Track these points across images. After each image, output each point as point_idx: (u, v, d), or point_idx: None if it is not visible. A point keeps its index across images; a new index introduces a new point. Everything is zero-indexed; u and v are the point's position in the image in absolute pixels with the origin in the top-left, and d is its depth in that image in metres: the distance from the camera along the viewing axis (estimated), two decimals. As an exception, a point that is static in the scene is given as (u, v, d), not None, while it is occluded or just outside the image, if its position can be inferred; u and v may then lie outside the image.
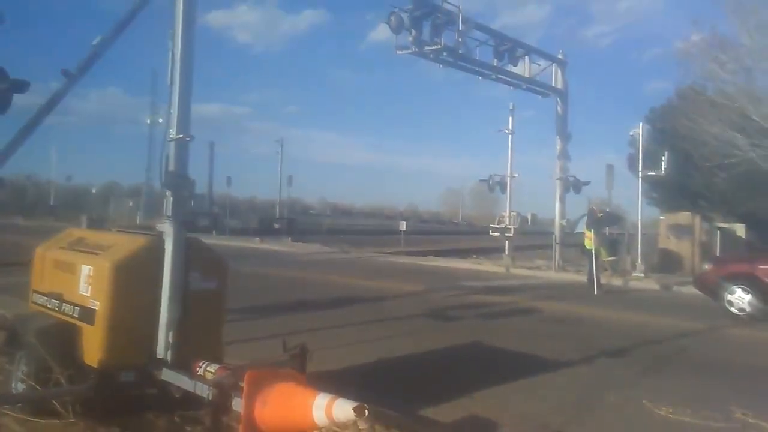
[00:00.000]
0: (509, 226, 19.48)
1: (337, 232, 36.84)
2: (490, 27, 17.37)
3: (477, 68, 16.87)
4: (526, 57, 17.88)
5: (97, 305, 3.72)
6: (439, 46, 14.91)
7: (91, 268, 3.83)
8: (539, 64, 18.48)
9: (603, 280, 14.07)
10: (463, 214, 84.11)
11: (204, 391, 3.31)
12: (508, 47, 17.03)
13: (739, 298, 10.28)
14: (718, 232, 19.03)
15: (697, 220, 19.08)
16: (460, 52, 15.66)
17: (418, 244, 28.20)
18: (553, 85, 19.10)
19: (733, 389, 5.68)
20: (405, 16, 14.36)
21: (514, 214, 19.77)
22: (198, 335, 3.87)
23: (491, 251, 23.92)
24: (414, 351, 6.68)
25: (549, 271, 17.52)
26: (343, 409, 2.65)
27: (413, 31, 14.58)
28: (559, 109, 19.20)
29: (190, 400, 3.61)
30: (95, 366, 3.65)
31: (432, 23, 14.78)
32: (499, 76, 17.37)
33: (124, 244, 3.93)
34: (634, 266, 17.34)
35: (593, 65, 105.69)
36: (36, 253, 4.48)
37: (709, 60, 17.49)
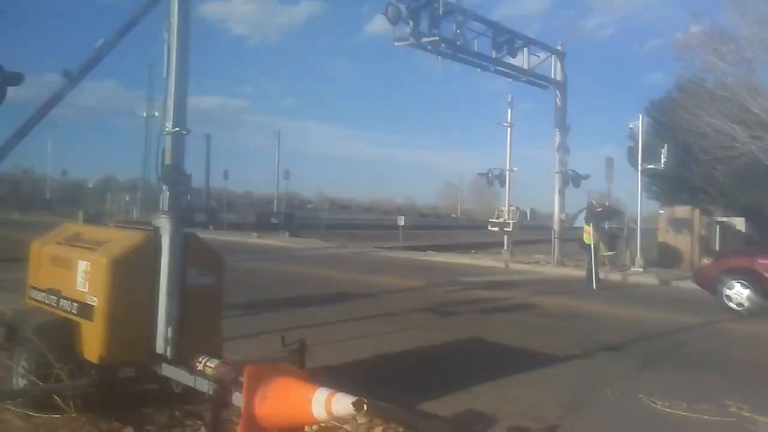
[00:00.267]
0: (508, 221, 19.53)
1: (335, 226, 36.81)
2: (489, 18, 17.31)
3: (476, 60, 16.83)
4: (525, 49, 17.84)
5: (95, 301, 3.74)
6: (437, 38, 14.86)
7: (88, 263, 3.85)
8: (538, 56, 18.45)
9: (602, 275, 14.12)
10: (462, 209, 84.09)
11: (204, 386, 3.34)
12: (507, 39, 16.99)
13: (738, 293, 10.34)
14: (718, 226, 19.09)
15: (697, 213, 19.12)
16: (458, 43, 15.62)
17: (416, 239, 28.23)
18: (552, 77, 19.07)
19: (729, 384, 5.75)
20: (402, 7, 14.31)
21: (513, 208, 19.82)
22: (197, 331, 3.90)
23: (490, 246, 23.97)
24: (413, 346, 6.73)
25: (548, 266, 17.57)
26: (342, 403, 2.69)
27: (411, 23, 14.52)
28: (558, 101, 19.18)
29: (189, 395, 3.65)
30: (95, 361, 3.68)
31: (430, 14, 14.72)
32: (498, 68, 17.35)
33: (120, 239, 3.95)
34: (633, 261, 17.40)
35: (592, 57, 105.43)
36: (32, 249, 4.49)
37: (709, 52, 17.49)
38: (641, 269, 16.72)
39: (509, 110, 20.21)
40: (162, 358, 3.73)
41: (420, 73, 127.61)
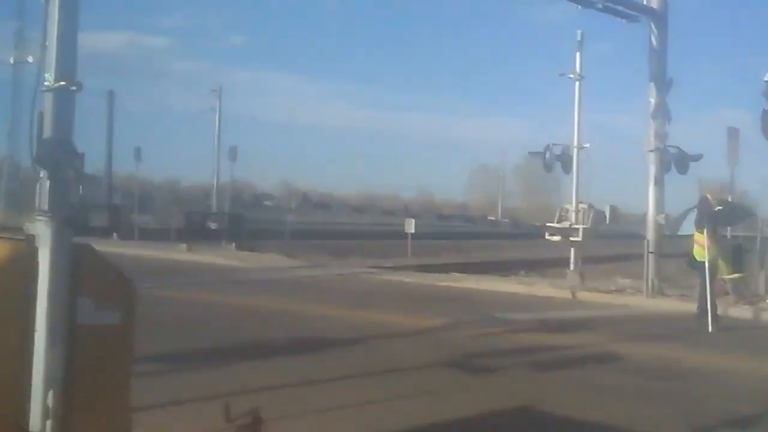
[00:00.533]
0: (576, 226, 19.52)
1: (307, 234, 36.87)
2: None
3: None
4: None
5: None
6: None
7: None
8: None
9: (721, 309, 14.12)
10: (504, 207, 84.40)
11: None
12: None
13: None
14: None
15: None
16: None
17: (433, 254, 28.27)
18: (646, 2, 19.09)
19: None
20: None
21: (585, 206, 19.80)
22: (92, 396, 3.89)
23: (548, 265, 23.97)
24: (423, 422, 6.71)
25: (638, 296, 17.55)
26: None
27: None
28: (653, 40, 19.19)
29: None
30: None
31: None
32: (561, -12, 17.39)
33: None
34: (770, 288, 17.41)
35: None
36: None
37: None
38: (783, 301, 16.72)
39: (578, 55, 20.15)
40: (38, 440, 3.71)
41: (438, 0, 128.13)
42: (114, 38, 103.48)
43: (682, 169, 19.03)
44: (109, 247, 20.56)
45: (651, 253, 18.09)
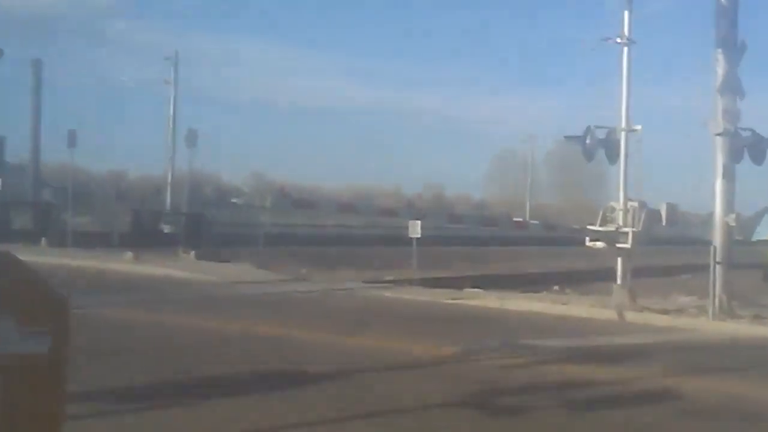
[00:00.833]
0: (625, 229, 19.53)
1: (285, 239, 36.89)
2: None
3: None
4: None
5: None
6: None
7: None
8: None
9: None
10: (534, 205, 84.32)
11: None
12: None
13: None
14: None
15: None
16: None
17: (444, 264, 28.27)
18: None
19: None
20: None
21: (635, 204, 19.82)
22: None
23: (588, 278, 24.01)
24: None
25: (702, 318, 17.57)
26: None
27: None
28: (721, -3, 19.20)
29: None
30: None
31: None
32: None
33: None
34: None
35: None
36: None
37: None
38: None
39: (626, 14, 20.19)
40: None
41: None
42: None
43: (758, 157, 19.01)
44: (36, 256, 20.57)
45: (718, 263, 18.08)
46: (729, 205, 18.82)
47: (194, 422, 7.67)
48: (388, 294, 20.92)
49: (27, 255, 4.65)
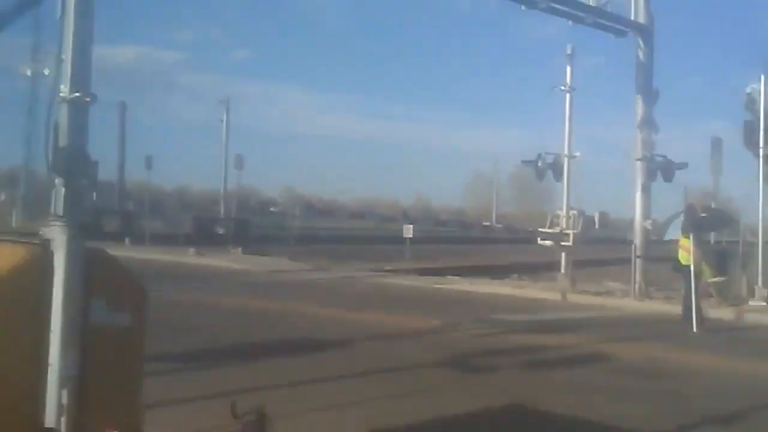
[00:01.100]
0: (567, 231, 19.53)
1: (311, 239, 36.86)
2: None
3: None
4: (592, -25, 17.92)
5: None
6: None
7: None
8: (611, -14, 18.51)
9: (706, 312, 14.11)
10: (499, 213, 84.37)
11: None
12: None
13: None
14: None
15: None
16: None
17: (431, 258, 28.22)
18: (633, 18, 19.10)
19: None
20: None
21: (575, 212, 19.83)
22: (105, 394, 3.89)
23: (540, 268, 23.94)
24: (424, 418, 6.72)
25: (626, 299, 17.57)
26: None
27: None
28: (640, 53, 19.20)
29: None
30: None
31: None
32: (553, 4, 17.38)
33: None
34: (752, 291, 17.39)
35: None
36: None
37: None
38: (764, 302, 16.71)
39: (568, 68, 20.23)
40: (53, 436, 3.71)
41: (438, 15, 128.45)
42: (127, 52, 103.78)
43: (668, 177, 19.09)
44: (121, 252, 20.59)
45: (638, 257, 18.10)
46: (646, 213, 18.87)
47: (243, 377, 7.67)
48: (387, 280, 20.89)
49: (114, 251, 4.64)
